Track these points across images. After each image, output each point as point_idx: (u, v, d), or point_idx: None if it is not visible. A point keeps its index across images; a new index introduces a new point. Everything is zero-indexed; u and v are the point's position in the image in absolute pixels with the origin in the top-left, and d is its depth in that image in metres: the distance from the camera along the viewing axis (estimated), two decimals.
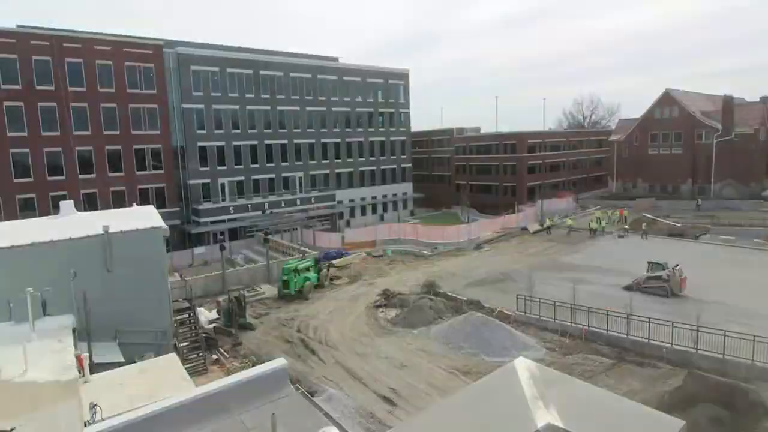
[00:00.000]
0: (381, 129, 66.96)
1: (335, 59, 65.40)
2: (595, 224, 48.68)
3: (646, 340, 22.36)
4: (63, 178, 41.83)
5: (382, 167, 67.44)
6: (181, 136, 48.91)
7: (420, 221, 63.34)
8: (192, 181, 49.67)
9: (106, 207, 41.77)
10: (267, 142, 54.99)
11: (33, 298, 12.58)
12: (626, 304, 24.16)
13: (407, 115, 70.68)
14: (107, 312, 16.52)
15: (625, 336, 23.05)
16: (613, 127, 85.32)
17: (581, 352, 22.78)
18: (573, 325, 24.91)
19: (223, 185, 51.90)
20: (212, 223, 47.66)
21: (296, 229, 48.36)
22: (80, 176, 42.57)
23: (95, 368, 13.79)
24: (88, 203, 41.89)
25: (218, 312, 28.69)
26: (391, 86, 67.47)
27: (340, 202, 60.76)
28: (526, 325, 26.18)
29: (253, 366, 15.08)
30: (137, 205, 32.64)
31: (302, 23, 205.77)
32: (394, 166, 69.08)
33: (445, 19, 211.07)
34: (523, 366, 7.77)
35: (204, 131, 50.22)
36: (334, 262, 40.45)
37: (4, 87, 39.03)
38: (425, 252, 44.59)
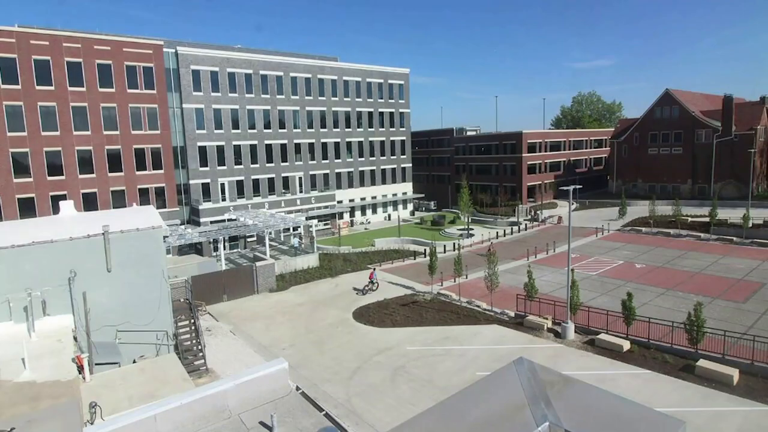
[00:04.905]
0: (381, 129, 66.93)
1: (335, 59, 65.37)
2: None
3: (646, 340, 22.41)
4: (63, 178, 41.81)
5: (382, 167, 67.41)
6: (181, 136, 48.90)
7: (420, 221, 63.28)
8: (192, 181, 49.66)
9: (106, 207, 41.88)
10: (267, 142, 54.98)
11: (33, 298, 12.59)
12: None
13: (407, 115, 70.67)
14: (107, 312, 16.54)
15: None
16: (613, 128, 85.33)
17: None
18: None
19: (223, 185, 51.89)
20: (212, 223, 47.63)
21: (298, 228, 48.22)
22: (80, 176, 42.57)
23: (95, 368, 13.80)
24: (88, 203, 41.92)
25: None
26: (391, 86, 67.44)
27: (340, 202, 60.78)
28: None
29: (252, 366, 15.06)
30: (137, 205, 32.67)
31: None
32: (394, 166, 69.04)
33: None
34: (523, 366, 7.76)
35: (204, 131, 50.21)
36: None
37: (4, 87, 39.03)
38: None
